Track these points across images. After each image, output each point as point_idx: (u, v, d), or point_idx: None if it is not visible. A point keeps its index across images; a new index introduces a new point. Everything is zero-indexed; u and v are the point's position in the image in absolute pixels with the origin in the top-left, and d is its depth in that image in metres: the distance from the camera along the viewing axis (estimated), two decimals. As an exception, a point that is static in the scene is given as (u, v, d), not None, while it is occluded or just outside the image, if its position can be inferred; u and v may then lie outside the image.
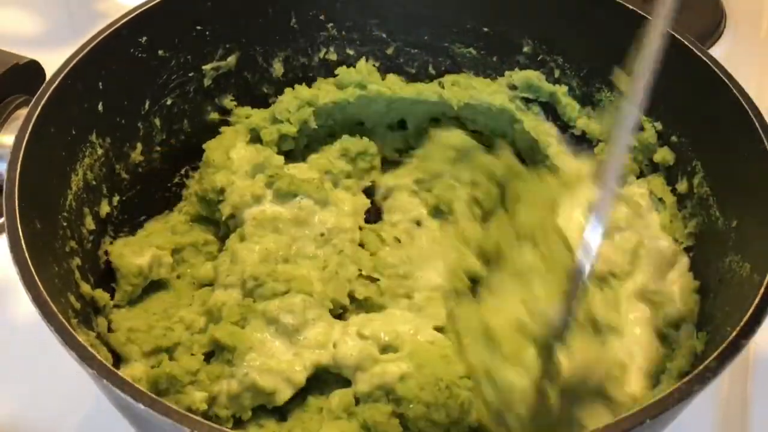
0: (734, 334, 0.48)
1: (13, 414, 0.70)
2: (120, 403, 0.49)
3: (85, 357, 0.46)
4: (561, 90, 0.78)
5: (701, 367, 0.47)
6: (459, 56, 0.82)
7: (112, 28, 0.66)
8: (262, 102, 0.81)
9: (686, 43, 0.66)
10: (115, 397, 0.47)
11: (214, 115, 0.79)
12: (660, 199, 0.71)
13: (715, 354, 0.47)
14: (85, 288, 0.63)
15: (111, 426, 0.66)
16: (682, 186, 0.68)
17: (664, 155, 0.70)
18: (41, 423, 0.70)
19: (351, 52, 0.82)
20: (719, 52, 0.99)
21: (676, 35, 0.66)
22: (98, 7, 1.09)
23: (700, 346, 0.58)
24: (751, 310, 0.49)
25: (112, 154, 0.69)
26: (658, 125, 0.71)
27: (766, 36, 1.06)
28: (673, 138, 0.70)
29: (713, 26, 1.04)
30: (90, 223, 0.66)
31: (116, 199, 0.71)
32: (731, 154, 0.62)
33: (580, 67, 0.76)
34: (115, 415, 0.56)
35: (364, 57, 0.82)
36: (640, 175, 0.73)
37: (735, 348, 0.48)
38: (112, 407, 0.54)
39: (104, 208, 0.69)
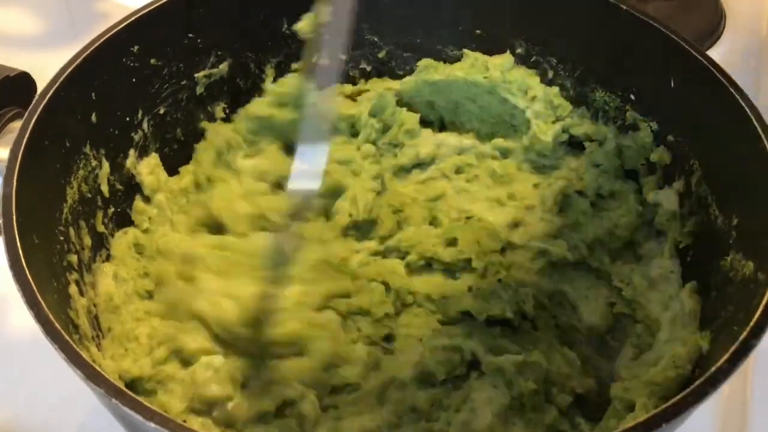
0: (744, 334, 0.48)
1: (11, 419, 0.69)
2: (128, 420, 0.48)
3: (90, 375, 0.45)
4: (554, 91, 0.78)
5: (713, 369, 0.46)
6: (452, 58, 0.81)
7: (104, 38, 0.65)
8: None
9: (682, 43, 0.66)
10: (123, 416, 0.46)
11: (207, 124, 0.78)
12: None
13: (727, 355, 0.47)
14: (83, 303, 0.62)
15: None
16: (679, 185, 0.68)
17: (660, 155, 0.70)
18: (39, 429, 0.68)
19: (342, 56, 0.81)
20: (719, 52, 0.99)
21: (672, 35, 0.67)
22: (98, 8, 1.07)
23: (705, 345, 0.57)
24: (760, 310, 0.49)
25: (106, 165, 0.68)
26: (654, 125, 0.71)
27: (766, 36, 1.06)
28: (670, 137, 0.70)
29: (713, 26, 1.03)
30: (86, 237, 0.65)
31: (111, 210, 0.69)
32: (730, 154, 0.62)
33: (574, 67, 0.76)
34: (112, 423, 0.54)
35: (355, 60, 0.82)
36: (640, 175, 0.73)
37: (746, 348, 0.47)
38: (108, 415, 0.53)
39: (99, 220, 0.68)
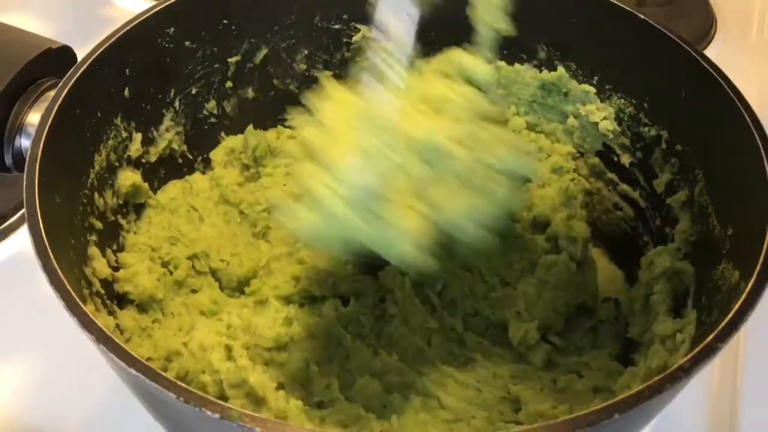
0: (710, 337, 0.48)
1: (28, 396, 0.71)
2: (119, 370, 0.50)
3: (84, 323, 0.48)
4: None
5: (674, 367, 0.47)
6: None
7: (140, 19, 0.68)
8: (283, 93, 0.82)
9: (694, 54, 0.66)
10: (113, 364, 0.49)
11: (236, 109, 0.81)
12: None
13: (690, 355, 0.47)
14: (101, 264, 0.65)
15: (126, 410, 0.66)
16: (682, 195, 0.68)
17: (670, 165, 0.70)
18: (57, 405, 0.70)
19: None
20: (711, 55, 0.97)
21: (684, 45, 0.66)
22: (103, 13, 1.10)
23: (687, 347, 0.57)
24: (729, 316, 0.49)
25: (137, 137, 0.71)
26: (665, 133, 0.70)
27: (755, 40, 1.07)
28: (678, 147, 0.69)
29: (705, 30, 1.06)
30: (111, 202, 0.68)
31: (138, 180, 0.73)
32: (730, 165, 0.62)
33: (593, 73, 0.76)
34: (130, 400, 0.56)
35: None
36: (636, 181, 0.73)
37: (710, 351, 0.47)
38: (126, 392, 0.55)
39: (126, 189, 0.71)
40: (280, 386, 0.62)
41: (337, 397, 0.62)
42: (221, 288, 0.72)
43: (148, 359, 0.63)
